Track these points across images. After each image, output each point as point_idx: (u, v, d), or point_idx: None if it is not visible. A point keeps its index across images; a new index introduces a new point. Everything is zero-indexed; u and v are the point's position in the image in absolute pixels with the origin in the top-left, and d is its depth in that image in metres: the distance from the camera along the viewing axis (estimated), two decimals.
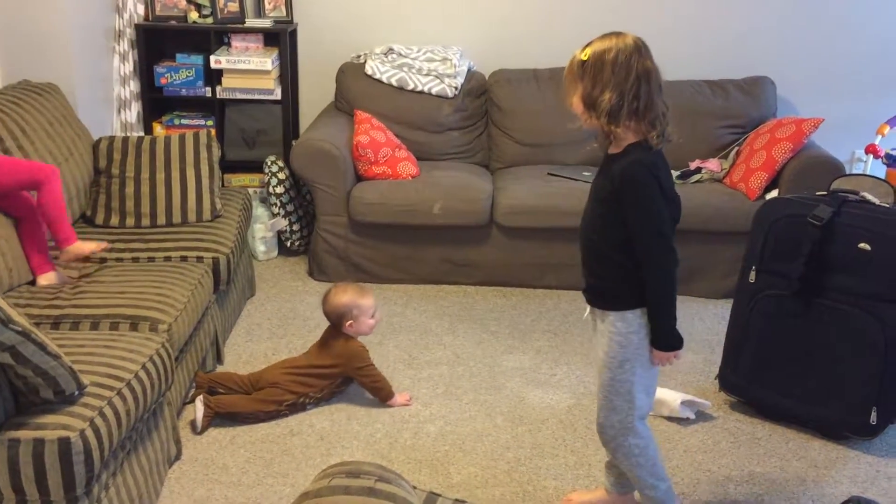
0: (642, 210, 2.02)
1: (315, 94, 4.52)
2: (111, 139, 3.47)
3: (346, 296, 2.92)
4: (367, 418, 2.90)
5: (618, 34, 1.99)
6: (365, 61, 4.32)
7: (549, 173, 4.10)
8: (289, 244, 4.25)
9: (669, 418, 2.94)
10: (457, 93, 4.28)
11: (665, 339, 2.11)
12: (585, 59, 1.98)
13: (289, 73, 4.33)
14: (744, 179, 3.87)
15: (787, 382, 2.86)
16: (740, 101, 4.23)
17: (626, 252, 2.06)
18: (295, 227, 4.22)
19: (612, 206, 2.05)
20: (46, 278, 2.82)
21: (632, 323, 2.11)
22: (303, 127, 4.44)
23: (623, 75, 1.94)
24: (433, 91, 4.26)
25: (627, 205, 2.02)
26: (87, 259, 2.92)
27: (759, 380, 2.92)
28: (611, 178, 2.04)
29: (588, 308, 2.25)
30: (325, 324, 3.03)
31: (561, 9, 4.43)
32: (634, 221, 2.03)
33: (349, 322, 2.92)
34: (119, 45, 4.11)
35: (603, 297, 2.16)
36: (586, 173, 4.08)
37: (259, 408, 2.83)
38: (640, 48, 1.97)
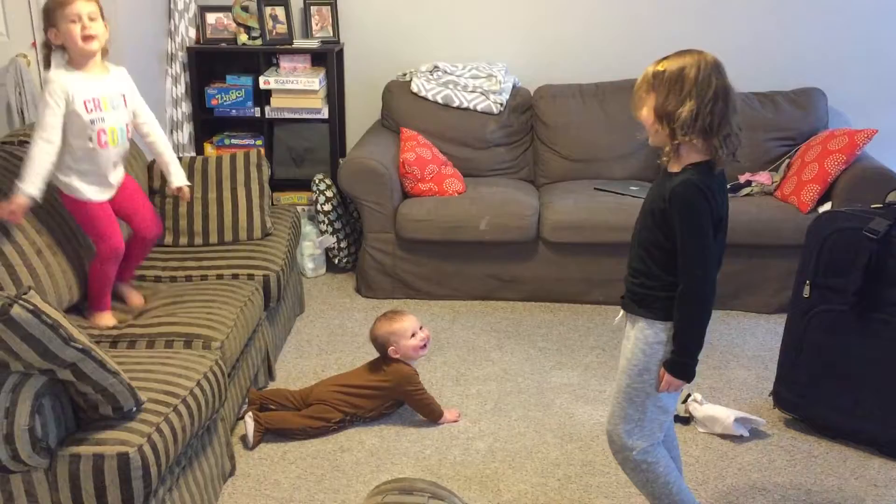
0: (689, 235, 2.00)
1: (361, 112, 4.57)
2: None
3: (379, 327, 2.98)
4: (417, 435, 2.91)
5: (697, 51, 1.99)
6: (410, 79, 4.37)
7: (595, 188, 4.08)
8: (337, 261, 4.29)
9: (723, 435, 2.89)
10: (502, 109, 4.30)
11: (683, 367, 2.08)
12: (662, 69, 1.98)
13: (336, 93, 4.39)
14: (795, 192, 3.81)
15: (844, 399, 2.80)
16: (790, 113, 4.17)
17: (668, 269, 2.06)
18: (343, 245, 4.26)
19: (661, 223, 2.04)
20: (103, 318, 2.81)
21: (660, 334, 2.10)
22: (350, 145, 4.50)
23: (702, 90, 1.94)
24: (478, 108, 4.28)
25: (676, 225, 2.01)
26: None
27: (816, 396, 2.86)
28: (663, 194, 2.03)
29: (621, 312, 2.24)
30: None
31: (605, 24, 4.43)
32: (681, 244, 2.01)
33: (392, 348, 2.95)
34: (171, 67, 4.22)
35: (638, 301, 2.14)
36: (633, 188, 4.06)
37: (308, 424, 2.86)
38: (719, 66, 1.97)
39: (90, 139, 2.67)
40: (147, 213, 2.96)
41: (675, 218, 2.00)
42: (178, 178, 2.98)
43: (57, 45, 2.65)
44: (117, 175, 2.82)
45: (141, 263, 3.04)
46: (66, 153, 2.66)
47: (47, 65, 2.67)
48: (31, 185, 2.55)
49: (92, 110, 2.66)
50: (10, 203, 2.53)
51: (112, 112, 2.72)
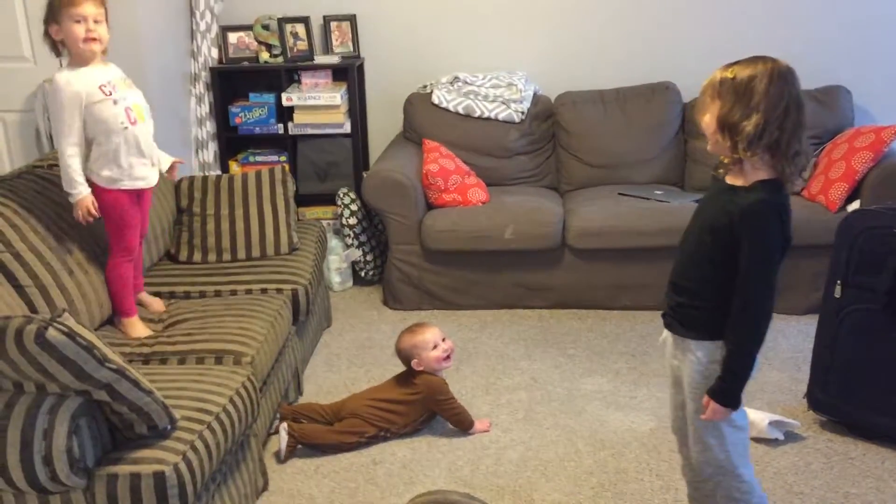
0: (758, 258, 1.88)
1: (383, 125, 4.60)
2: (191, 179, 3.59)
3: (402, 342, 3.00)
4: (448, 446, 2.91)
5: (770, 58, 1.87)
6: (431, 91, 4.38)
7: (619, 193, 4.07)
8: (363, 274, 4.31)
9: (758, 439, 2.86)
10: (523, 117, 4.30)
11: (729, 394, 1.96)
12: (731, 76, 1.86)
13: (357, 107, 4.42)
14: (823, 191, 3.77)
15: (879, 399, 2.77)
16: (816, 111, 4.13)
17: (722, 288, 1.95)
18: (368, 258, 4.28)
19: (723, 241, 1.92)
20: (134, 327, 2.86)
21: (713, 354, 2.00)
22: (373, 158, 4.52)
23: (772, 103, 1.83)
24: (500, 117, 4.29)
25: (745, 246, 1.89)
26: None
27: (850, 397, 2.82)
28: (729, 210, 1.90)
29: (665, 332, 2.14)
30: None
31: (624, 30, 4.42)
32: (746, 266, 1.89)
33: (415, 361, 2.96)
34: (195, 87, 4.27)
35: (685, 321, 2.04)
36: (658, 192, 4.04)
37: (341, 439, 2.87)
38: (793, 76, 1.86)
39: (122, 121, 2.71)
40: (146, 221, 3.02)
41: (745, 238, 1.88)
42: (166, 160, 3.03)
43: (56, 41, 2.67)
44: (151, 165, 2.86)
45: (141, 268, 3.08)
46: (101, 146, 2.70)
47: (57, 53, 2.70)
48: (82, 185, 2.69)
49: (110, 93, 2.71)
50: (79, 208, 2.69)
51: (128, 91, 2.78)
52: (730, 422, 2.04)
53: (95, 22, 2.66)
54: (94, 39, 2.66)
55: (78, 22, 2.62)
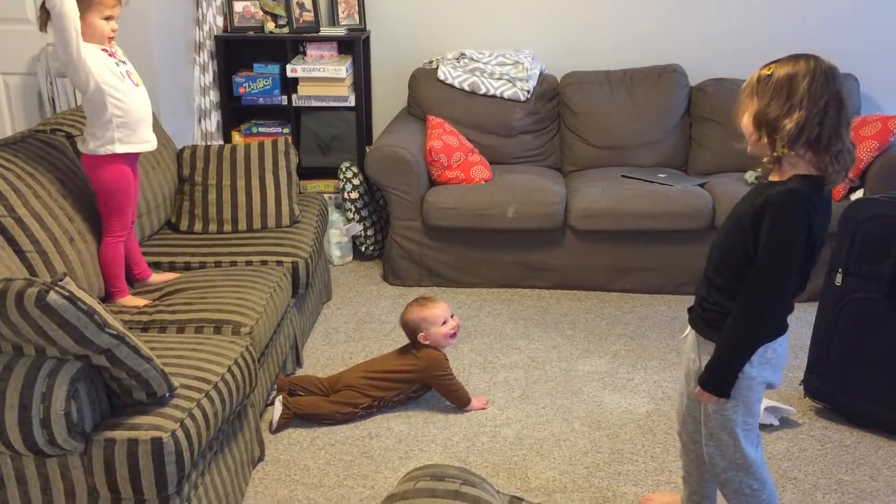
0: (775, 251, 1.82)
1: (388, 100, 4.57)
2: (194, 148, 3.58)
3: (410, 312, 3.00)
4: (445, 422, 2.92)
5: (812, 56, 1.84)
6: (437, 67, 4.36)
7: (623, 175, 4.06)
8: (363, 249, 4.31)
9: None
10: (529, 96, 4.28)
11: (715, 381, 1.95)
12: (769, 73, 1.83)
13: (362, 80, 4.39)
14: None
15: (876, 388, 2.78)
16: None
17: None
18: (369, 232, 4.28)
19: (751, 235, 1.87)
20: (129, 301, 2.87)
21: None
22: (376, 133, 4.50)
23: (814, 100, 1.78)
24: (505, 95, 4.27)
25: (764, 234, 1.83)
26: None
27: (847, 385, 2.83)
28: (758, 203, 1.85)
29: (688, 329, 2.10)
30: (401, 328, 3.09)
31: (632, 10, 4.39)
32: (761, 256, 1.84)
33: (422, 334, 2.97)
34: (199, 56, 4.24)
35: (710, 321, 2.00)
36: (661, 175, 4.04)
37: (336, 409, 2.88)
38: (835, 73, 1.82)
39: (126, 83, 2.74)
40: (136, 198, 3.00)
41: (766, 226, 1.82)
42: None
43: None
44: (150, 129, 2.87)
45: (140, 254, 3.06)
46: (115, 108, 2.70)
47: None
48: None
49: (112, 56, 2.74)
50: None
51: (126, 61, 2.81)
52: (743, 425, 2.02)
53: (115, 19, 2.73)
54: (113, 38, 2.74)
55: (107, 19, 2.68)
